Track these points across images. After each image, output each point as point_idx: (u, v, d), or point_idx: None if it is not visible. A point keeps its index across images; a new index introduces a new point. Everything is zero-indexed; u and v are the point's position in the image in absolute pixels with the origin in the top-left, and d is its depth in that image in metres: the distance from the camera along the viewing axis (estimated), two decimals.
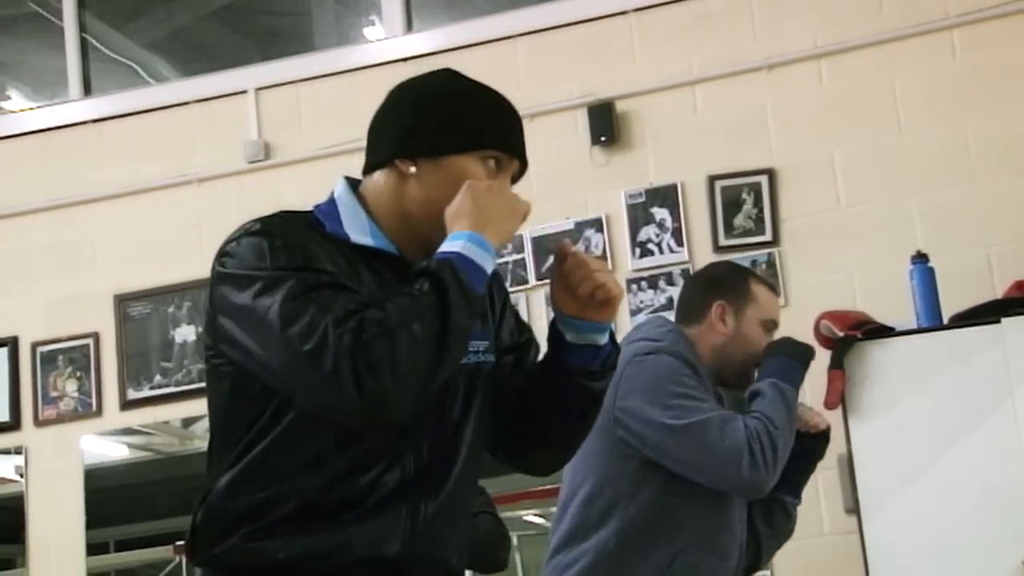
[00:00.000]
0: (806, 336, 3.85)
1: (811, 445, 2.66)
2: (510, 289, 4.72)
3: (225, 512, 1.61)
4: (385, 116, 1.74)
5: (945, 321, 3.74)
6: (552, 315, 1.74)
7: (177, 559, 4.75)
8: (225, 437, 1.64)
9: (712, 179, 4.45)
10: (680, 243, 4.43)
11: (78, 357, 4.93)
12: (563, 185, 4.57)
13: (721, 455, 2.38)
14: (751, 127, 4.45)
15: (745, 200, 4.41)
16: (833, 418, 3.69)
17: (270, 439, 1.59)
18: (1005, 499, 3.48)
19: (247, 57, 5.38)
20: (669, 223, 4.46)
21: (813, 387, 4.04)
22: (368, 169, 1.73)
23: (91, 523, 4.84)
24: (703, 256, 4.30)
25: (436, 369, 1.52)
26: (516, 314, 1.85)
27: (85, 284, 4.97)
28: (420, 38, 4.90)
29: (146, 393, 4.83)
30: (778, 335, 4.32)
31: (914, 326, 3.75)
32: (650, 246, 4.45)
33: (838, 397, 3.63)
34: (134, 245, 4.96)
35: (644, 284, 4.42)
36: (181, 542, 4.68)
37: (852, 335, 3.68)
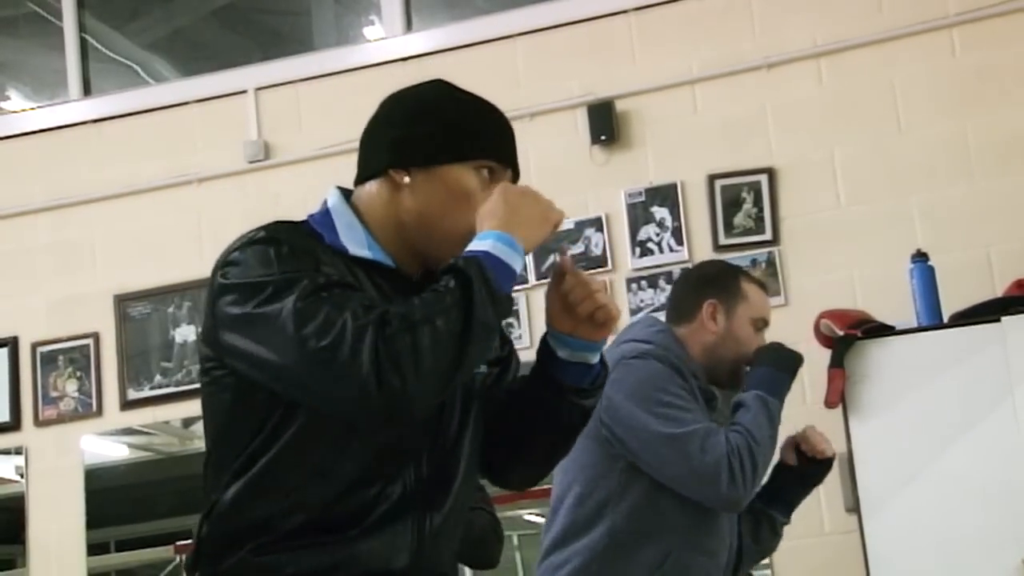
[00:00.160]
0: (806, 335, 3.86)
1: (813, 469, 2.66)
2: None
3: (231, 527, 1.60)
4: (377, 127, 1.73)
5: (945, 320, 3.74)
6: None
7: (178, 559, 4.75)
8: (226, 450, 1.62)
9: (712, 178, 4.45)
10: (680, 242, 4.43)
11: (78, 357, 4.93)
12: (563, 184, 4.56)
13: (700, 470, 2.38)
14: (751, 126, 4.45)
15: (745, 199, 4.41)
16: (833, 417, 3.71)
17: (275, 451, 1.58)
18: (1005, 498, 3.48)
19: (247, 57, 5.37)
20: (669, 222, 4.46)
21: (814, 386, 4.05)
22: (360, 180, 1.73)
23: (91, 523, 4.83)
24: (703, 255, 4.29)
25: (458, 366, 1.50)
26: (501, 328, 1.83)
27: (85, 284, 4.97)
28: (420, 38, 4.90)
29: (146, 393, 4.83)
30: (778, 334, 4.33)
31: (914, 325, 3.75)
32: (650, 245, 4.45)
33: (838, 396, 3.63)
34: (134, 245, 4.96)
35: (644, 283, 4.42)
36: (182, 542, 4.70)
37: (852, 334, 3.68)
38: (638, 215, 4.49)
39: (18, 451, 4.94)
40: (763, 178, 4.40)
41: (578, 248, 4.51)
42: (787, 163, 4.40)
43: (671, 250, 4.43)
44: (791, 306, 4.28)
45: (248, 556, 1.58)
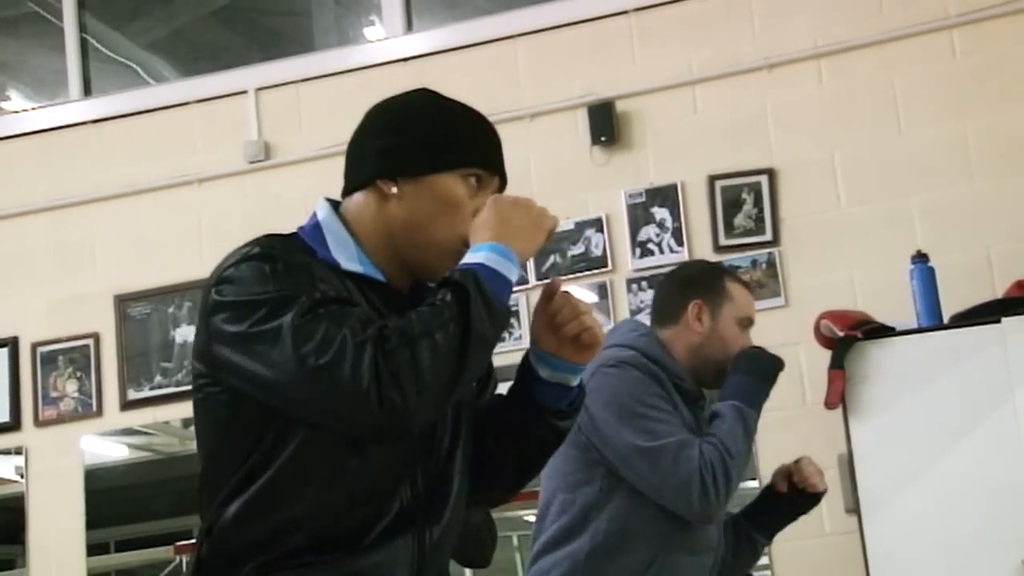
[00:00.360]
0: (806, 336, 3.86)
1: (802, 501, 2.65)
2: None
3: (233, 546, 1.59)
4: (363, 137, 1.73)
5: (945, 321, 3.74)
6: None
7: (177, 559, 4.75)
8: (221, 466, 1.61)
9: (712, 179, 4.45)
10: (680, 243, 4.43)
11: (78, 357, 4.93)
12: (563, 185, 4.57)
13: (672, 484, 2.38)
14: (751, 127, 4.45)
15: (745, 200, 4.41)
16: (833, 418, 3.71)
17: (274, 470, 1.57)
18: (1005, 498, 3.48)
19: (247, 57, 5.38)
20: (669, 223, 4.46)
21: (814, 387, 4.05)
22: (348, 191, 1.72)
23: (91, 523, 4.83)
24: (704, 256, 4.29)
25: (457, 380, 1.50)
26: None
27: (85, 284, 4.97)
28: (420, 38, 4.90)
29: (146, 393, 4.83)
30: (778, 335, 4.34)
31: (914, 326, 3.75)
32: (650, 246, 4.45)
33: (838, 397, 3.63)
34: (134, 245, 4.96)
35: (644, 284, 4.42)
36: (182, 542, 4.70)
37: (852, 335, 3.68)
38: (638, 216, 4.49)
39: (18, 451, 4.94)
40: (763, 179, 4.40)
41: (578, 249, 4.51)
42: (787, 164, 4.40)
43: (671, 251, 4.42)
44: (791, 307, 4.28)
45: (251, 574, 1.57)
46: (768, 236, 4.36)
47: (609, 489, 2.44)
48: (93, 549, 4.85)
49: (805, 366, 4.17)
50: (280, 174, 4.85)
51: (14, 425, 4.94)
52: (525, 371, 1.71)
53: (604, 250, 4.48)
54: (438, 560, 1.67)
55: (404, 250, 1.66)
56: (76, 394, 4.91)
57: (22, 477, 4.91)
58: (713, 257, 4.28)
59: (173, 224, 4.92)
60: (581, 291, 4.49)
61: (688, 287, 2.62)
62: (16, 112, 5.48)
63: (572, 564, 2.43)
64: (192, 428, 5.27)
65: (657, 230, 4.46)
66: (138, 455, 5.08)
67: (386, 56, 4.85)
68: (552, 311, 1.68)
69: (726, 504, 2.44)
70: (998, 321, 3.60)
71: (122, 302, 4.91)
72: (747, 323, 2.62)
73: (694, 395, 2.57)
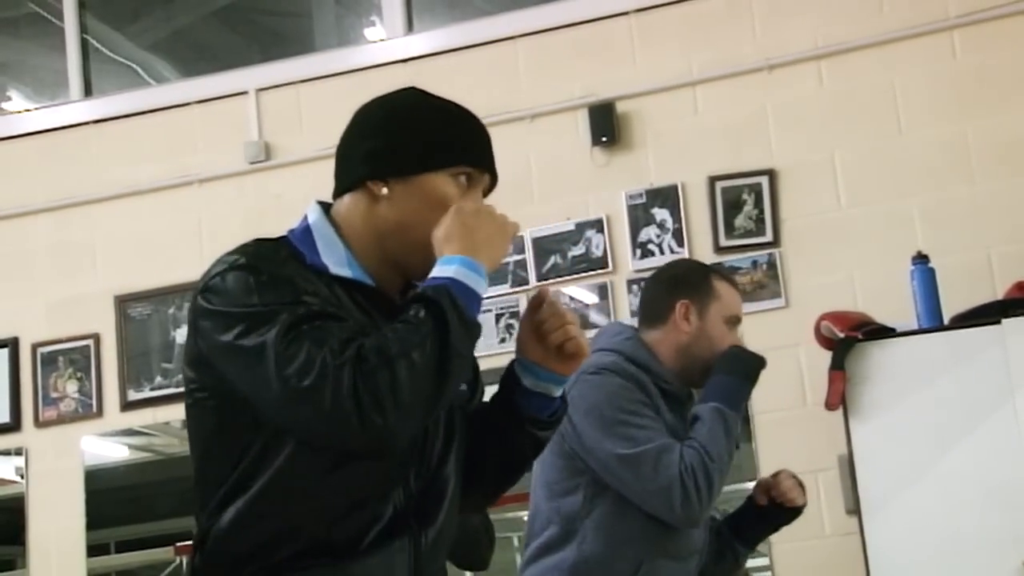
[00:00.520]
0: (807, 337, 3.86)
1: (781, 514, 2.63)
2: (511, 290, 4.74)
3: (228, 554, 1.59)
4: (352, 138, 1.73)
5: (946, 322, 3.74)
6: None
7: (178, 560, 4.75)
8: (212, 472, 1.62)
9: (713, 180, 4.45)
10: (681, 244, 4.42)
11: (79, 358, 4.93)
12: (564, 186, 4.57)
13: (653, 490, 2.37)
14: (752, 128, 4.45)
15: (746, 201, 4.41)
16: (834, 419, 3.71)
17: (267, 477, 1.57)
18: (1006, 500, 3.48)
19: (248, 58, 5.38)
20: (670, 224, 4.46)
21: (814, 388, 4.05)
22: (338, 193, 1.72)
23: (92, 524, 4.83)
24: (704, 257, 4.29)
25: (437, 396, 1.51)
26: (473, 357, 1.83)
27: (86, 285, 4.97)
28: (421, 39, 4.90)
29: (147, 394, 4.83)
30: (779, 336, 4.33)
31: (915, 327, 3.75)
32: (651, 247, 4.45)
33: (839, 398, 3.63)
34: (135, 246, 4.96)
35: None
36: (182, 543, 4.70)
37: (853, 336, 3.68)
38: (639, 216, 4.49)
39: (18, 452, 4.93)
40: (764, 180, 4.40)
41: (579, 249, 4.51)
42: (788, 165, 4.40)
43: (672, 252, 4.42)
44: (792, 308, 4.28)
45: None
46: (768, 237, 4.36)
47: (593, 497, 2.44)
48: (93, 550, 4.84)
49: (805, 367, 4.17)
50: (281, 175, 4.85)
51: (14, 426, 4.94)
52: (509, 379, 1.71)
53: (604, 251, 4.48)
54: (434, 562, 1.67)
55: (395, 251, 1.65)
56: (76, 395, 4.91)
57: (22, 478, 4.91)
58: (714, 258, 4.28)
59: (173, 225, 4.92)
60: (582, 292, 4.49)
61: (675, 287, 2.60)
62: (17, 112, 5.48)
63: (560, 574, 2.43)
64: None
65: (658, 231, 4.46)
66: (138, 456, 5.08)
67: (387, 57, 4.85)
68: (538, 319, 1.68)
69: (710, 506, 2.43)
70: (998, 322, 3.60)
71: (122, 303, 4.91)
72: (735, 321, 2.61)
73: (680, 398, 2.55)
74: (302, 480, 1.57)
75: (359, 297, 1.64)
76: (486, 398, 1.81)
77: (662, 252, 4.43)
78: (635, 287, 4.43)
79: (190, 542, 1.68)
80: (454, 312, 1.51)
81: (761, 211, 4.39)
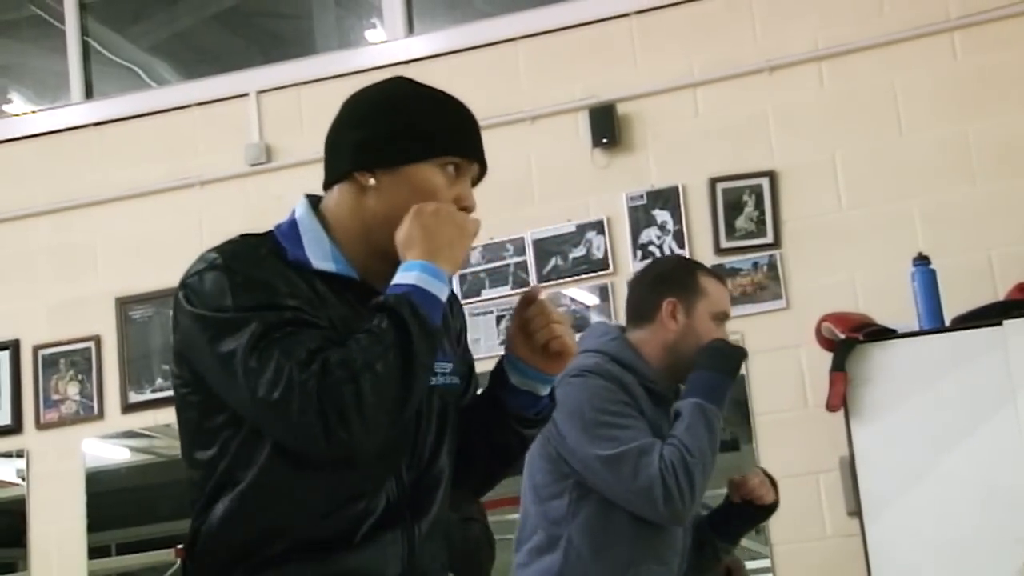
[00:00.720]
0: (807, 338, 3.86)
1: (755, 511, 2.63)
2: (511, 292, 4.73)
3: (219, 552, 1.60)
4: (340, 129, 1.72)
5: (947, 323, 3.74)
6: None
7: (179, 562, 4.74)
8: (199, 471, 1.63)
9: (713, 181, 4.45)
10: (681, 245, 4.42)
11: (79, 360, 4.93)
12: (564, 187, 4.57)
13: (635, 491, 2.37)
14: (752, 129, 4.45)
15: (746, 202, 4.41)
16: (835, 420, 3.71)
17: (252, 474, 1.58)
18: (1007, 501, 3.48)
19: (248, 60, 5.38)
20: (670, 225, 4.46)
21: (815, 389, 4.05)
22: (327, 185, 1.72)
23: (92, 526, 4.83)
24: (705, 258, 4.29)
25: (401, 406, 1.52)
26: (468, 352, 1.84)
27: (87, 287, 4.97)
28: (421, 41, 4.90)
29: (147, 396, 4.83)
30: (780, 337, 4.33)
31: (916, 328, 3.75)
32: (651, 248, 4.45)
33: (840, 399, 3.63)
34: (136, 248, 4.96)
35: None
36: (183, 545, 4.70)
37: (854, 337, 3.68)
38: (639, 218, 4.49)
39: (19, 454, 4.93)
40: (764, 181, 4.40)
41: (579, 251, 4.51)
42: (788, 166, 4.40)
43: (672, 253, 4.42)
44: (792, 309, 4.28)
45: None
46: (769, 238, 4.36)
47: (579, 500, 2.44)
48: (94, 552, 4.84)
49: (806, 368, 4.17)
50: (281, 176, 4.85)
51: (15, 428, 4.94)
52: (497, 375, 1.72)
53: (605, 252, 4.48)
54: (429, 553, 1.67)
55: (382, 242, 1.64)
56: (77, 397, 4.91)
57: (23, 480, 4.91)
58: (714, 260, 4.28)
59: (174, 226, 4.92)
60: (582, 294, 4.49)
61: (661, 285, 2.59)
62: (18, 115, 5.48)
63: None
64: None
65: (658, 232, 4.46)
66: (139, 458, 5.08)
67: (387, 59, 4.86)
68: (526, 317, 1.68)
69: (695, 502, 2.41)
70: (999, 323, 3.60)
71: (123, 304, 4.91)
72: (722, 317, 2.59)
73: (667, 396, 2.54)
74: (287, 476, 1.57)
75: (343, 290, 1.64)
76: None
77: (663, 253, 4.42)
78: None
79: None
80: (415, 321, 1.52)
81: (762, 212, 4.38)
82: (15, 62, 5.94)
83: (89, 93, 5.29)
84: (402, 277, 1.57)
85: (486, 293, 4.52)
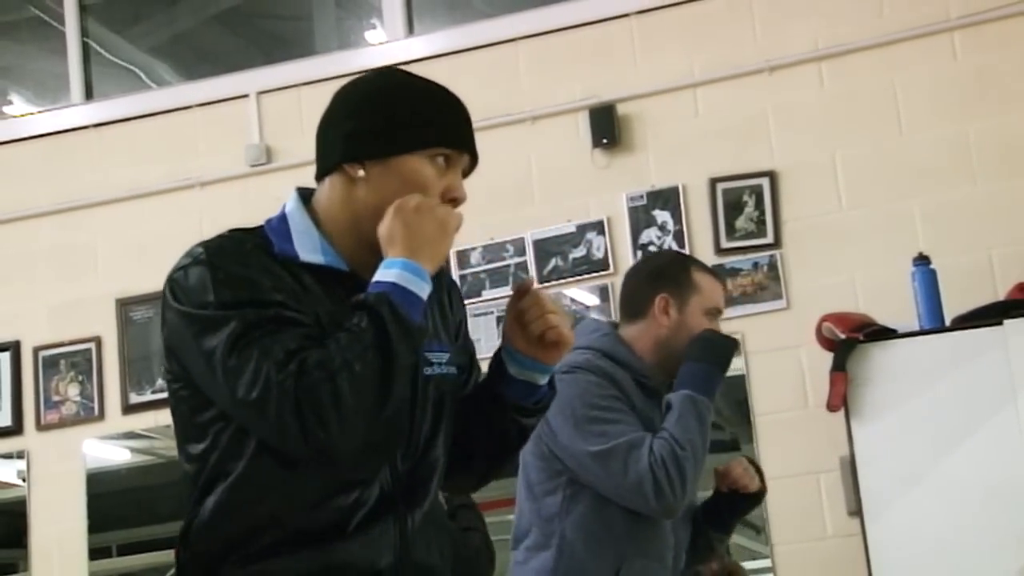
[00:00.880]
0: (808, 338, 3.86)
1: (742, 500, 2.62)
2: (512, 292, 4.72)
3: (210, 546, 1.61)
4: (330, 121, 1.72)
5: (947, 323, 3.74)
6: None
7: None
8: (192, 465, 1.64)
9: (713, 181, 4.45)
10: (682, 245, 4.42)
11: (80, 361, 4.93)
12: (564, 187, 4.58)
13: (626, 486, 2.37)
14: (752, 129, 4.45)
15: (747, 202, 4.41)
16: (835, 420, 3.71)
17: (241, 467, 1.59)
18: (1008, 501, 3.48)
19: (249, 61, 5.38)
20: (671, 225, 4.46)
21: (815, 389, 4.05)
22: (319, 177, 1.72)
23: (93, 527, 4.83)
24: (705, 258, 4.28)
25: (381, 406, 1.52)
26: (468, 340, 1.84)
27: (87, 288, 4.98)
28: (421, 41, 4.90)
29: (148, 397, 4.83)
30: (780, 337, 4.33)
31: (916, 328, 3.75)
32: (652, 248, 4.44)
33: (840, 399, 3.63)
34: (136, 249, 4.96)
35: None
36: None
37: (854, 337, 3.68)
38: (640, 218, 4.49)
39: (20, 455, 4.93)
40: (765, 181, 4.40)
41: (580, 251, 4.51)
42: (789, 166, 4.40)
43: (668, 248, 4.41)
44: (793, 309, 4.28)
45: (231, 570, 1.59)
46: (769, 239, 4.36)
47: (572, 497, 2.44)
48: (95, 553, 4.84)
49: (807, 368, 4.17)
50: (282, 177, 4.84)
51: (16, 429, 4.94)
52: (496, 366, 1.72)
53: (605, 253, 4.48)
54: (424, 543, 1.67)
55: (373, 234, 1.63)
56: (78, 398, 4.91)
57: (24, 481, 4.91)
58: (715, 260, 4.28)
59: (175, 228, 4.91)
60: (583, 294, 4.49)
61: (654, 280, 2.59)
62: (18, 116, 5.48)
63: None
64: None
65: (658, 233, 4.46)
66: (140, 459, 5.08)
67: (387, 59, 4.85)
68: (521, 308, 1.68)
69: (686, 494, 2.41)
70: (1000, 323, 3.60)
71: (124, 306, 4.91)
72: (716, 313, 2.59)
73: (660, 391, 2.53)
74: (276, 469, 1.58)
75: (332, 282, 1.64)
76: None
77: None
78: None
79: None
80: (394, 320, 1.52)
81: (762, 212, 4.39)
82: (15, 63, 5.94)
83: (89, 94, 5.29)
84: (383, 275, 1.57)
85: (486, 293, 4.52)
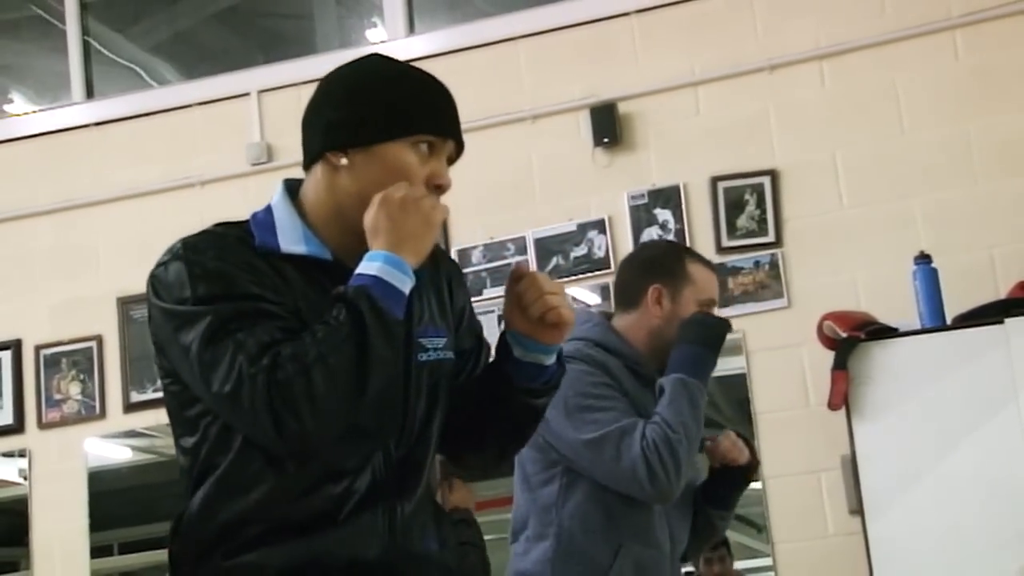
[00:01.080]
0: (809, 337, 3.86)
1: (733, 473, 2.61)
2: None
3: (199, 536, 1.62)
4: (314, 110, 1.72)
5: (948, 322, 3.74)
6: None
7: None
8: (186, 459, 1.65)
9: (715, 180, 4.45)
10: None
11: (81, 360, 4.93)
12: (566, 186, 4.58)
13: (618, 472, 2.37)
14: (753, 128, 4.45)
15: (748, 201, 4.41)
16: (837, 419, 3.71)
17: (229, 459, 1.60)
18: (1009, 499, 3.48)
19: (249, 60, 5.38)
20: (672, 224, 4.46)
21: (817, 388, 4.05)
22: (305, 166, 1.72)
23: (95, 526, 4.84)
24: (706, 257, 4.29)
25: (358, 398, 1.51)
26: (474, 320, 1.83)
27: (88, 287, 4.98)
28: (422, 40, 4.90)
29: (149, 395, 4.82)
30: (782, 336, 4.33)
31: (917, 327, 3.75)
32: None
33: (841, 398, 3.63)
34: (137, 248, 4.95)
35: None
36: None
37: (855, 336, 3.68)
38: (641, 217, 4.49)
39: (21, 454, 4.94)
40: (766, 180, 4.40)
41: (581, 250, 4.51)
42: (790, 165, 4.40)
43: (663, 238, 4.41)
44: (794, 308, 4.28)
45: (220, 561, 1.59)
46: (771, 237, 4.36)
47: (569, 486, 2.44)
48: (97, 551, 4.85)
49: (808, 367, 4.17)
50: (282, 176, 4.82)
51: (18, 428, 4.94)
52: (501, 349, 1.71)
53: (607, 251, 4.48)
54: (415, 530, 1.66)
55: (357, 222, 1.62)
56: (79, 396, 4.91)
57: (26, 479, 4.92)
58: (716, 258, 4.28)
59: (176, 226, 4.84)
60: (584, 293, 4.49)
61: (648, 270, 2.57)
62: (19, 115, 5.49)
63: (541, 568, 2.43)
64: None
65: (660, 231, 4.46)
66: (141, 457, 5.08)
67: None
68: (518, 292, 1.67)
69: (681, 478, 2.40)
70: (1001, 322, 3.60)
71: (125, 304, 4.91)
72: (710, 304, 2.57)
73: (653, 378, 2.53)
74: (261, 461, 1.58)
75: (315, 272, 1.64)
76: None
77: None
78: None
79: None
80: (372, 314, 1.51)
81: (763, 211, 4.39)
82: (16, 62, 5.94)
83: (90, 93, 5.29)
84: (365, 267, 1.56)
85: (487, 292, 4.52)
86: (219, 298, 1.55)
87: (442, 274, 1.76)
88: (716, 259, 4.25)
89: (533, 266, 4.51)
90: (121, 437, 4.96)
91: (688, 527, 2.60)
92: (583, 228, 4.52)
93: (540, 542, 2.45)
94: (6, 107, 5.64)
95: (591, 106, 4.58)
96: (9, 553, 5.06)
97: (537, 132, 4.62)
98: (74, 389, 4.92)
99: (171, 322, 1.57)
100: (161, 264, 1.62)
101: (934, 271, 3.78)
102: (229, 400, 1.50)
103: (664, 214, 4.47)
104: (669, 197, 4.48)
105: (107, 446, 4.97)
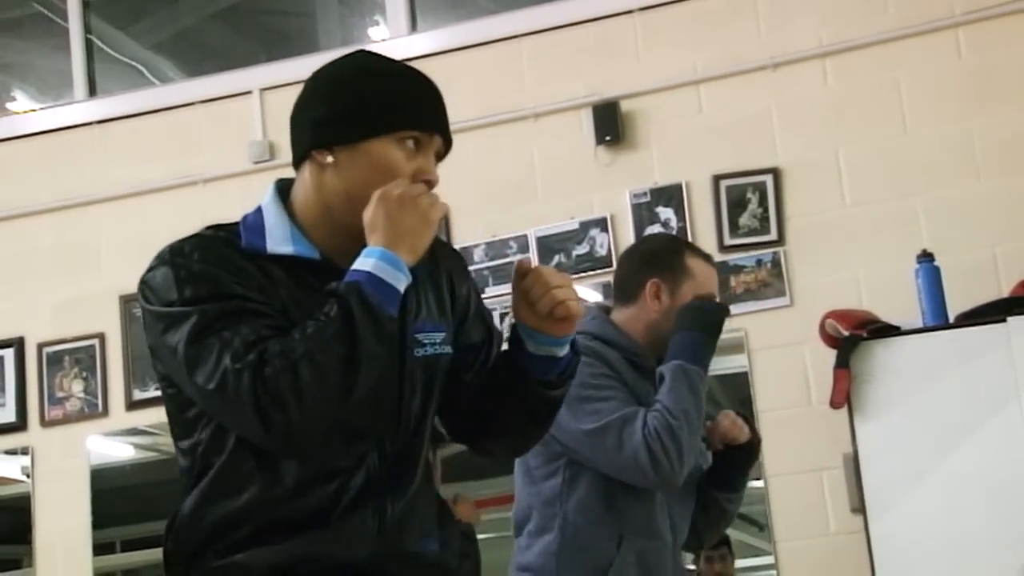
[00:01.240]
0: (811, 335, 3.86)
1: (735, 454, 2.61)
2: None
3: (193, 536, 1.62)
4: (299, 108, 1.72)
5: (951, 320, 3.74)
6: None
7: None
8: (184, 460, 1.66)
9: (717, 178, 4.45)
10: None
11: (84, 358, 4.93)
12: (568, 185, 4.57)
13: (621, 461, 2.37)
14: (756, 126, 4.45)
15: (750, 199, 4.40)
16: (839, 417, 3.71)
17: (222, 459, 1.60)
18: (1011, 497, 3.48)
19: (252, 58, 5.38)
20: (674, 222, 4.46)
21: (819, 386, 4.05)
22: (295, 165, 1.72)
23: (97, 523, 4.84)
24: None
25: (347, 394, 1.50)
26: (481, 310, 1.83)
27: (91, 285, 4.98)
28: (424, 38, 4.90)
29: (152, 393, 4.82)
30: (784, 334, 4.32)
31: (920, 325, 3.75)
32: None
33: (844, 396, 3.63)
34: (139, 246, 4.92)
35: None
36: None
37: (857, 334, 3.68)
38: (643, 215, 4.49)
39: (24, 451, 4.94)
40: (768, 178, 4.40)
41: (583, 248, 4.51)
42: (792, 163, 4.40)
43: (662, 232, 4.41)
44: (796, 306, 4.28)
45: (212, 560, 1.60)
46: (773, 235, 4.36)
47: (572, 479, 2.45)
48: (99, 549, 4.85)
49: (810, 365, 4.17)
50: (285, 174, 4.80)
51: (20, 425, 4.95)
52: (514, 342, 1.71)
53: (609, 250, 4.48)
54: (406, 529, 1.65)
55: (345, 219, 1.63)
56: (82, 394, 4.92)
57: (28, 477, 4.92)
58: (718, 257, 4.27)
59: (178, 224, 4.85)
60: (586, 291, 4.49)
61: (647, 264, 2.57)
62: (21, 113, 5.49)
63: (547, 559, 2.43)
64: None
65: (662, 230, 4.45)
66: (144, 455, 5.09)
67: (390, 56, 4.85)
68: (524, 288, 1.67)
69: (684, 464, 2.39)
70: (1003, 320, 3.60)
71: (127, 302, 4.91)
72: (708, 299, 2.58)
73: (652, 369, 2.53)
74: (253, 461, 1.59)
75: (304, 272, 1.63)
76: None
77: None
78: None
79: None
80: (362, 309, 1.51)
81: (765, 210, 4.38)
82: (18, 60, 5.95)
83: (92, 91, 5.29)
84: (360, 263, 1.56)
85: (490, 291, 4.51)
86: (205, 299, 1.56)
87: (442, 269, 1.76)
88: (718, 257, 4.25)
89: (535, 264, 4.51)
90: (124, 435, 4.97)
91: (689, 517, 2.60)
92: (585, 226, 4.52)
93: (544, 535, 2.45)
94: (8, 105, 5.64)
95: (593, 104, 4.58)
96: (12, 551, 5.06)
97: (539, 130, 4.62)
98: (76, 387, 4.93)
99: (159, 324, 1.58)
100: (150, 270, 1.63)
101: (936, 269, 3.78)
102: (215, 396, 1.50)
103: (666, 212, 4.47)
104: (671, 195, 4.48)
105: (110, 444, 4.98)
